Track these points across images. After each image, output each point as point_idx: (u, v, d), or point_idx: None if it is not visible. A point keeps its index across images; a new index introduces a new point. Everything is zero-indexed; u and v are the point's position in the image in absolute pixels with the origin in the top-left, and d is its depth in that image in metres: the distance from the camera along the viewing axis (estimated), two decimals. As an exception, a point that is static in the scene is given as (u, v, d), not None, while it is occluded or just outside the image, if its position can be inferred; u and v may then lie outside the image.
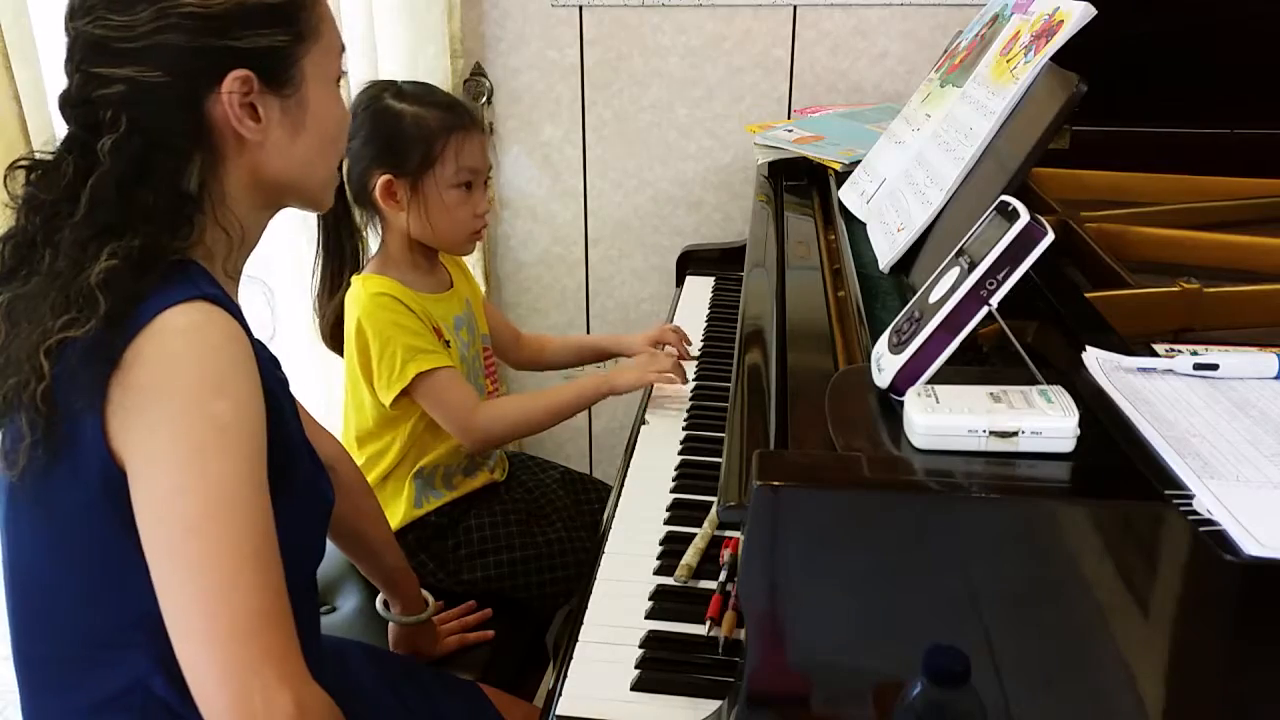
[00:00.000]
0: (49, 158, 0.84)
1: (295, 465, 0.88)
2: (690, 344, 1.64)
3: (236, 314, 0.83)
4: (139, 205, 0.79)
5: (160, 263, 0.79)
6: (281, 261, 1.75)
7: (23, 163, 0.84)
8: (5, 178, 0.84)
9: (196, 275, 0.82)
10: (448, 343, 1.42)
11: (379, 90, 1.40)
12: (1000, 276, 0.75)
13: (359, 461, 1.38)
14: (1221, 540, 0.60)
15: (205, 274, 0.83)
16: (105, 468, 0.77)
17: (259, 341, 0.88)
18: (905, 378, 0.76)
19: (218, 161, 0.85)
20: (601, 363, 1.77)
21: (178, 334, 0.77)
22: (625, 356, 1.68)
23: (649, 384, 1.47)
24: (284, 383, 0.91)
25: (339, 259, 1.43)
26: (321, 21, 0.88)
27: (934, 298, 0.78)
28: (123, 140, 0.80)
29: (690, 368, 1.57)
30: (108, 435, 0.77)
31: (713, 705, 0.82)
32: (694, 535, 1.12)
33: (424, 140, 1.36)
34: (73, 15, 0.81)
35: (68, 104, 0.83)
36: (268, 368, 0.86)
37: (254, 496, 0.78)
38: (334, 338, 1.45)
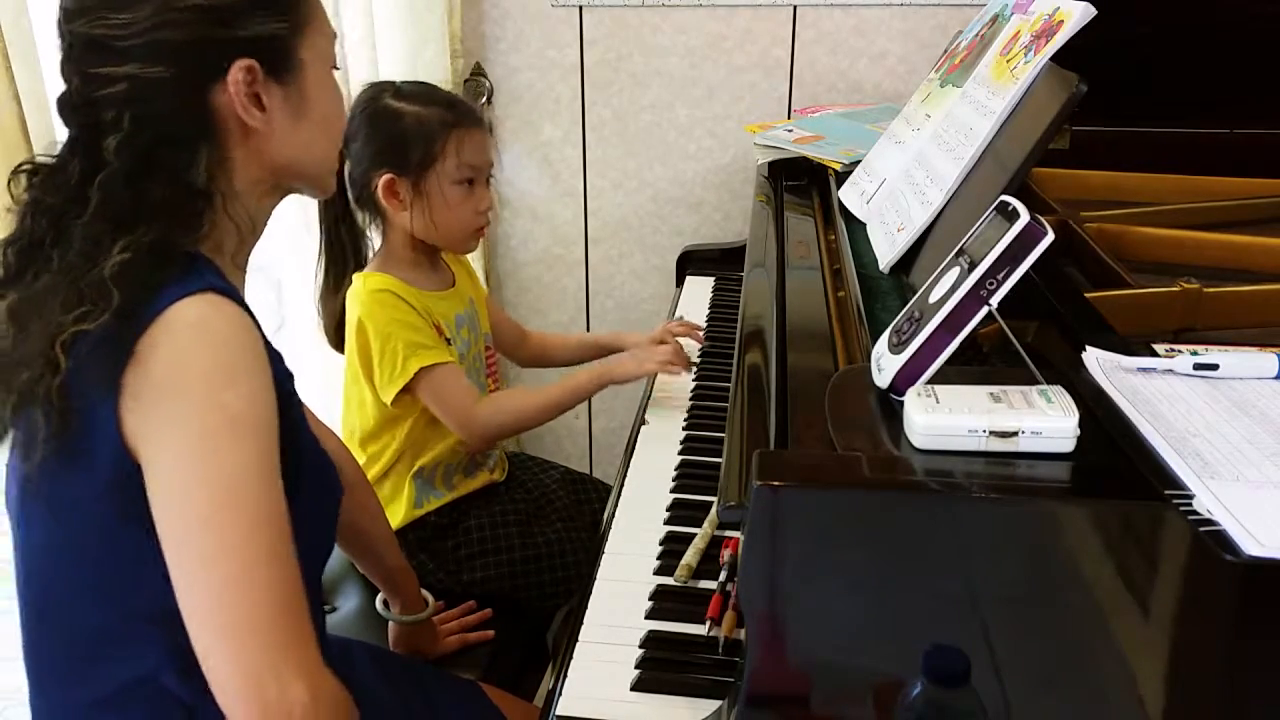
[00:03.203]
0: (51, 161, 0.84)
1: (305, 461, 0.88)
2: (701, 329, 1.65)
3: (244, 307, 0.83)
4: (149, 200, 0.80)
5: (172, 256, 0.79)
6: (285, 259, 1.75)
7: (25, 167, 0.84)
8: (9, 182, 0.84)
9: (204, 268, 0.82)
10: (449, 340, 1.42)
11: (378, 91, 1.40)
12: (1000, 276, 0.75)
13: (359, 460, 1.38)
14: (1221, 540, 0.60)
15: (213, 267, 0.84)
16: (119, 460, 0.78)
17: (264, 337, 0.88)
18: (905, 378, 0.76)
19: (224, 152, 0.85)
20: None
21: (188, 326, 0.78)
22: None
23: (649, 373, 1.46)
24: (289, 377, 0.92)
25: (342, 258, 1.43)
26: (314, 7, 0.89)
27: (934, 298, 0.78)
28: (128, 139, 0.80)
29: (691, 364, 1.57)
30: (122, 428, 0.77)
31: (713, 705, 0.82)
32: (694, 535, 1.12)
33: (425, 138, 1.36)
34: (68, 18, 0.81)
35: (68, 107, 0.83)
36: (274, 363, 0.86)
37: (267, 487, 0.78)
38: (338, 336, 1.45)
